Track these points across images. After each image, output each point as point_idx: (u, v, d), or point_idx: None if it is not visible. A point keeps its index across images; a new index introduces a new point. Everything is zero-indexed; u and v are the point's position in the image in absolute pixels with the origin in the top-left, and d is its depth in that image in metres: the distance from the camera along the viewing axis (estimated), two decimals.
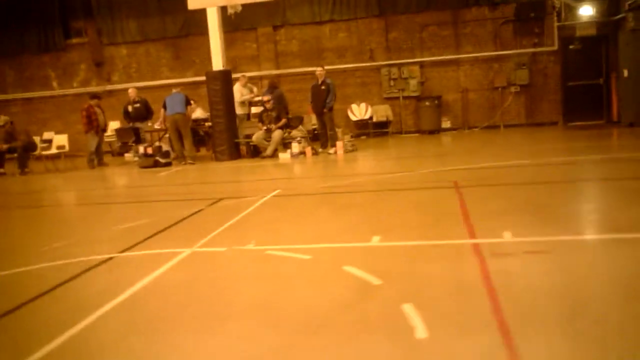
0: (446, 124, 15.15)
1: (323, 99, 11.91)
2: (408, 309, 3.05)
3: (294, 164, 11.03)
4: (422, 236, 4.63)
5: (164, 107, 12.44)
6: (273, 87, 13.58)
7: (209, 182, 9.08)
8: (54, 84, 18.15)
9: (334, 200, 6.65)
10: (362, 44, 15.70)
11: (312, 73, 13.15)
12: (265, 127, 12.17)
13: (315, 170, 10.27)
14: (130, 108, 13.70)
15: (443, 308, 3.08)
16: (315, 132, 13.18)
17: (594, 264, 3.69)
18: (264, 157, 11.91)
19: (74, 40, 17.80)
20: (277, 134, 11.98)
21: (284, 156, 11.78)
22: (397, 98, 15.49)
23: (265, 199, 6.94)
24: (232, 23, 16.14)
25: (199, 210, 6.55)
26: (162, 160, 12.13)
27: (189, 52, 16.83)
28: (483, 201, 5.81)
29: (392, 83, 15.45)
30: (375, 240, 4.55)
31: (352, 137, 15.40)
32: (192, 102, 13.37)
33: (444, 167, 8.55)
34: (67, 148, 13.59)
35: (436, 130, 14.98)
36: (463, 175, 7.72)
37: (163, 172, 11.10)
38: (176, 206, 7.05)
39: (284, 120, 12.26)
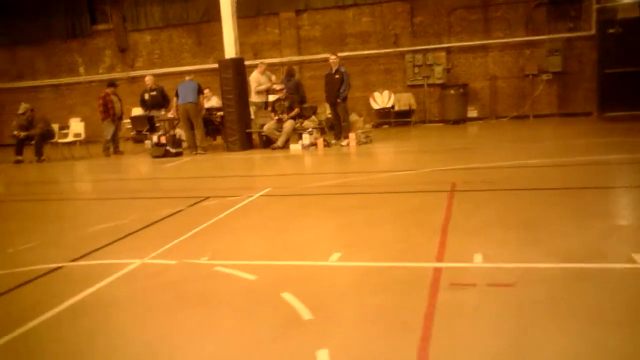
0: (472, 113, 14.43)
1: (336, 88, 11.44)
2: (322, 356, 2.67)
3: (302, 156, 10.66)
4: (385, 255, 4.20)
5: (177, 95, 12.24)
6: (290, 75, 13.20)
7: (206, 176, 8.82)
8: (81, 70, 18.30)
9: (319, 203, 6.25)
10: (386, 29, 15.08)
11: None
12: (276, 117, 11.83)
13: (318, 165, 9.89)
14: (147, 96, 13.59)
15: (363, 357, 2.68)
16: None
17: (559, 306, 3.18)
18: (274, 148, 11.59)
19: (100, 27, 17.85)
20: (288, 125, 11.62)
21: (295, 147, 11.43)
22: (422, 86, 14.85)
23: (251, 199, 6.62)
24: (253, 7, 15.89)
25: (179, 211, 6.28)
26: (173, 150, 11.98)
27: (210, 39, 16.58)
28: (472, 211, 5.30)
29: (416, 70, 14.81)
30: (333, 259, 4.16)
31: (373, 126, 14.97)
32: (206, 90, 13.16)
33: (452, 165, 8.02)
34: (82, 136, 13.60)
35: (461, 120, 14.29)
36: (468, 175, 7.19)
37: (170, 163, 10.94)
38: (160, 204, 6.79)
39: (296, 110, 11.87)
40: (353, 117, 15.35)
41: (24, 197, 8.59)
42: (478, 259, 3.90)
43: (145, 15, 17.15)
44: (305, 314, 3.18)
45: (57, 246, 5.22)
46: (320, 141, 11.38)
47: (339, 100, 11.48)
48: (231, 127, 12.02)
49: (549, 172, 7.16)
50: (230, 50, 12.05)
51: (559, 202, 5.54)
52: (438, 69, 14.51)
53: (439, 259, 4.00)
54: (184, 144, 12.36)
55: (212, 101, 13.10)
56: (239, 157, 11.14)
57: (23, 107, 13.30)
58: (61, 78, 18.36)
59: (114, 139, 13.55)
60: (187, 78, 12.51)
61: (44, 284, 4.17)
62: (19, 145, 13.02)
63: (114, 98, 13.49)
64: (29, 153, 12.93)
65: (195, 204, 6.61)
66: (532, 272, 3.62)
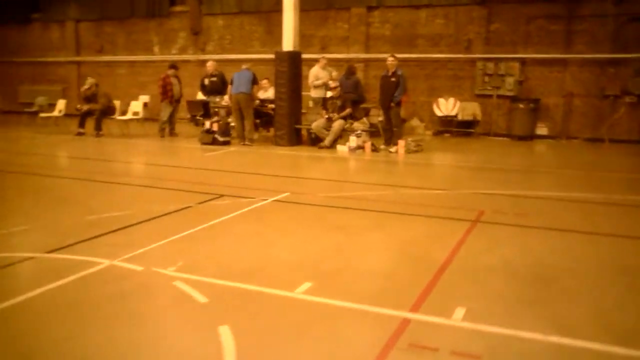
0: (542, 130, 13.38)
1: (391, 92, 10.87)
2: None
3: (343, 159, 10.24)
4: (357, 293, 3.74)
5: (231, 83, 12.14)
6: (350, 73, 12.75)
7: (234, 171, 8.58)
8: (155, 49, 18.71)
9: (326, 218, 5.84)
10: (459, 33, 14.26)
11: (402, 59, 12.13)
12: (327, 116, 11.46)
13: (352, 172, 9.43)
14: (207, 81, 13.60)
15: None
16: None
17: None
18: (321, 147, 11.23)
19: (177, 8, 18.15)
20: (337, 124, 11.23)
21: (342, 149, 11.02)
22: (490, 96, 13.93)
23: (263, 203, 6.33)
24: (324, 0, 15.54)
25: (186, 208, 6.10)
26: (221, 139, 11.91)
27: (280, 28, 16.35)
28: (485, 249, 4.71)
29: (486, 79, 13.90)
30: (300, 290, 3.77)
31: (433, 133, 14.28)
32: (264, 81, 13.00)
33: (494, 189, 7.34)
34: (141, 115, 13.84)
35: (529, 137, 13.28)
36: (505, 203, 6.53)
37: (213, 152, 10.87)
38: (173, 198, 6.65)
39: (347, 110, 11.45)
40: (414, 122, 14.77)
41: (54, 173, 8.77)
42: (458, 314, 3.39)
43: (221, 0, 17.23)
44: (230, 358, 2.83)
45: (46, 233, 5.16)
46: (367, 145, 10.90)
47: (392, 105, 10.92)
48: (280, 121, 11.79)
49: (601, 211, 6.32)
50: (288, 42, 11.79)
51: (591, 251, 4.81)
52: (510, 80, 13.55)
53: (415, 307, 3.51)
54: (234, 134, 12.27)
55: (269, 92, 12.89)
56: (280, 153, 10.88)
57: (89, 81, 13.71)
58: (137, 55, 18.88)
59: (171, 121, 13.70)
60: (244, 67, 12.37)
61: (2, 276, 4.07)
62: (82, 118, 13.44)
63: (174, 80, 13.61)
64: (90, 126, 13.32)
65: (205, 201, 6.40)
66: (512, 343, 3.07)
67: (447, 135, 14.20)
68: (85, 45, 20.01)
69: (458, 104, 13.93)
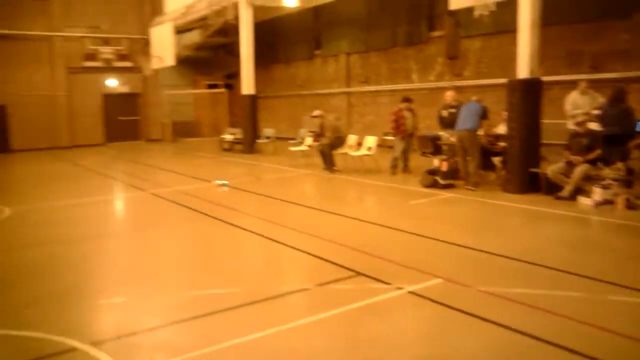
0: None
1: None
2: None
3: (582, 221, 7.84)
4: None
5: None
6: (617, 99, 10.02)
7: (415, 233, 7.21)
8: (414, 76, 18.20)
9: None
10: None
11: None
12: (568, 159, 9.10)
13: (591, 243, 6.89)
14: (445, 113, 12.44)
15: None
16: None
17: None
18: (558, 198, 8.94)
19: (435, 33, 17.29)
20: (579, 170, 8.81)
21: (585, 201, 8.58)
22: None
23: (393, 294, 5.03)
24: (597, 7, 12.68)
25: (299, 290, 5.25)
26: (442, 181, 10.59)
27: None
28: None
29: None
30: None
31: None
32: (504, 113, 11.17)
33: None
34: (373, 152, 13.38)
35: None
36: None
37: (419, 200, 9.66)
38: (304, 268, 5.86)
39: (596, 152, 8.88)
40: None
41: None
42: None
43: (477, 20, 15.69)
44: None
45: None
46: (619, 200, 8.21)
47: None
48: (511, 163, 9.86)
49: None
50: (523, 68, 9.80)
51: None
52: None
53: None
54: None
55: (501, 127, 11.02)
56: (499, 205, 8.99)
57: (316, 112, 13.88)
58: (397, 84, 18.68)
59: (404, 156, 12.93)
60: (473, 98, 10.80)
61: None
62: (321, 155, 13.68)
63: (407, 114, 12.81)
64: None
65: (329, 282, 5.41)
66: None
67: None
68: (354, 76, 20.76)
69: None
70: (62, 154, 21.69)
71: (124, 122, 26.09)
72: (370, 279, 5.43)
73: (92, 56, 24.99)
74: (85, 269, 6.24)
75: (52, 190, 12.25)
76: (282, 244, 6.95)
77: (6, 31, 22.79)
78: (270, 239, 7.22)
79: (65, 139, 24.43)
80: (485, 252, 6.27)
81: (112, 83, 25.60)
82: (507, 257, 6.06)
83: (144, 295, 5.26)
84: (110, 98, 25.61)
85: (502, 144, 10.39)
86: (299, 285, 5.36)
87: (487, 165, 10.90)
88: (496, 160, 11.06)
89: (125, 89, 25.84)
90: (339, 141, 13.39)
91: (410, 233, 7.29)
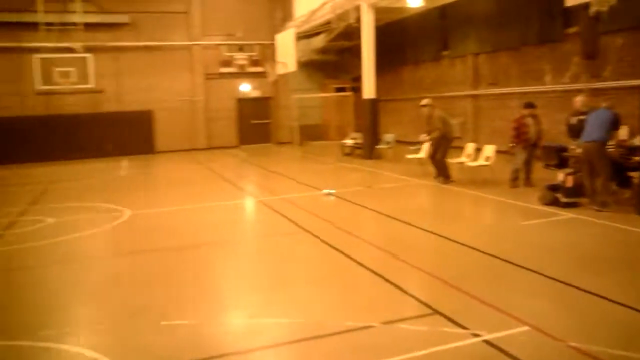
0: None
1: None
2: None
3: None
4: None
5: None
6: None
7: (508, 261, 6.45)
8: (547, 78, 16.68)
9: None
10: None
11: None
12: None
13: None
14: (574, 120, 11.21)
15: None
16: None
17: None
18: None
19: (571, 30, 15.66)
20: None
21: None
22: None
23: (452, 346, 4.51)
24: None
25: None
26: (563, 199, 9.50)
27: None
28: None
29: None
30: None
31: None
32: None
33: None
34: (490, 162, 12.43)
35: None
36: None
37: (535, 220, 8.73)
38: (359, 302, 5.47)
39: None
40: None
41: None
42: None
43: (620, 12, 13.92)
44: None
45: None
46: None
47: None
48: None
49: None
50: None
51: None
52: None
53: None
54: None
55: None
56: (627, 233, 7.79)
57: (424, 101, 13.22)
58: (528, 86, 17.28)
59: (527, 168, 11.85)
60: (603, 105, 9.53)
61: None
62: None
63: (530, 121, 11.73)
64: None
65: (395, 321, 4.98)
66: None
67: None
68: (481, 77, 19.60)
69: None
70: (197, 155, 23.11)
71: (256, 126, 27.18)
72: (446, 319, 4.92)
73: (227, 62, 26.37)
74: (160, 285, 6.43)
75: (172, 194, 13.05)
76: (363, 265, 6.62)
77: (152, 42, 24.85)
78: (352, 259, 6.92)
79: (202, 142, 26.06)
80: (600, 296, 5.32)
81: (245, 88, 26.76)
82: (630, 307, 5.03)
83: (210, 317, 5.26)
84: (244, 102, 26.82)
85: (637, 158, 9.05)
86: (363, 321, 4.98)
87: (622, 181, 9.57)
88: (635, 175, 9.68)
89: (257, 93, 26.90)
90: (448, 137, 12.53)
91: (509, 262, 6.54)
